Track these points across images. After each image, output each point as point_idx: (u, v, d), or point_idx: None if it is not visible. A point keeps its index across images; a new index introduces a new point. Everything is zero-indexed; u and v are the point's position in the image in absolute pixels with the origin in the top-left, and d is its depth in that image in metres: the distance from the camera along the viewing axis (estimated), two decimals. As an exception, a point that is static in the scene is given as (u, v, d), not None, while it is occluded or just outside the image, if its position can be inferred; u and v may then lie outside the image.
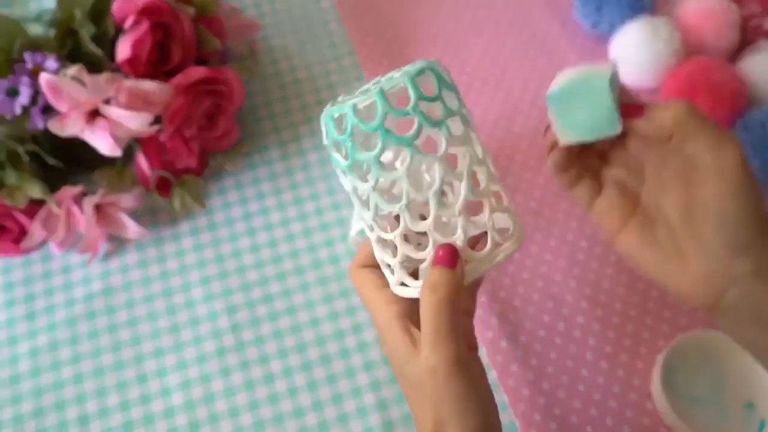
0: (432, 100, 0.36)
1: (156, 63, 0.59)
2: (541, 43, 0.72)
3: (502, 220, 0.39)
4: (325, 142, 0.38)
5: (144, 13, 0.57)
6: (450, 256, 0.37)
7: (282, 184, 0.65)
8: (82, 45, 0.58)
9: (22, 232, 0.59)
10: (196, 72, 0.58)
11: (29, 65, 0.54)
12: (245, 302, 0.59)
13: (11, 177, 0.56)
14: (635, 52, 0.66)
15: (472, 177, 0.37)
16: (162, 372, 0.56)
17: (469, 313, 0.44)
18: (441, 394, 0.36)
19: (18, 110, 0.54)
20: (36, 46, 0.56)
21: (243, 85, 0.62)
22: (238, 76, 0.62)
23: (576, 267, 0.60)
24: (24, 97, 0.54)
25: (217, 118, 0.62)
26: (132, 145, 0.58)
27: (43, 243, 0.61)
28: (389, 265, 0.39)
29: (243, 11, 0.73)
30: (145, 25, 0.56)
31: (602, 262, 0.60)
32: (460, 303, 0.37)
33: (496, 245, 0.38)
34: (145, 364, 0.56)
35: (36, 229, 0.58)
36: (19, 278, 0.60)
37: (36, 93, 0.54)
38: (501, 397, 0.55)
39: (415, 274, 0.40)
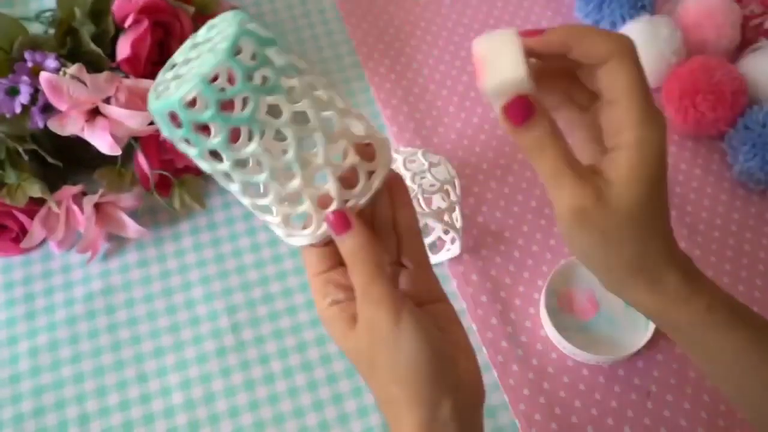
0: (256, 68, 0.34)
1: (156, 62, 0.59)
2: (541, 42, 0.72)
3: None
4: (165, 134, 0.36)
5: (144, 11, 0.57)
6: (342, 222, 0.36)
7: (282, 183, 0.65)
8: (82, 44, 0.57)
9: (22, 231, 0.59)
10: (196, 71, 0.58)
11: (29, 64, 0.54)
12: (245, 302, 0.59)
13: (11, 176, 0.56)
14: (636, 51, 0.66)
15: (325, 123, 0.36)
16: (162, 371, 0.56)
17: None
18: (388, 348, 0.35)
19: (18, 109, 0.54)
20: (36, 45, 0.56)
21: (243, 84, 0.62)
22: (238, 75, 0.61)
23: (577, 266, 0.60)
24: (24, 96, 0.54)
25: (217, 118, 0.61)
26: (132, 145, 0.58)
27: (42, 242, 0.61)
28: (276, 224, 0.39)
29: (243, 10, 0.73)
30: (144, 24, 0.56)
31: (603, 262, 0.60)
32: (381, 256, 0.36)
33: (369, 175, 0.37)
34: (145, 364, 0.56)
35: (36, 229, 0.58)
36: (19, 277, 0.60)
37: (36, 92, 0.54)
38: (501, 397, 0.55)
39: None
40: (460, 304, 0.58)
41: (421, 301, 0.38)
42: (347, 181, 0.36)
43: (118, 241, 0.62)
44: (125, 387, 0.55)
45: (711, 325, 0.35)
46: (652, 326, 0.55)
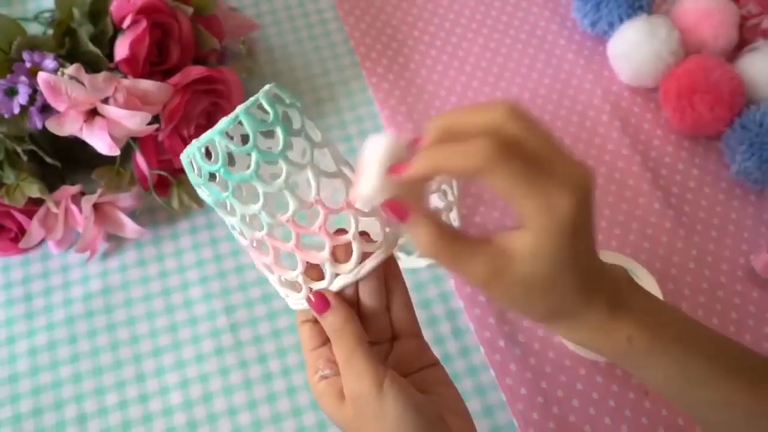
0: (268, 130, 0.37)
1: (154, 62, 0.59)
2: (539, 41, 0.72)
3: (372, 225, 0.39)
4: (192, 181, 0.39)
5: (142, 12, 0.57)
6: (321, 301, 0.38)
7: (280, 183, 0.65)
8: (80, 44, 0.58)
9: (21, 231, 0.59)
10: (194, 71, 0.58)
11: (27, 64, 0.54)
12: (244, 301, 0.59)
13: (10, 176, 0.56)
14: (634, 51, 0.66)
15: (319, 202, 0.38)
16: (160, 371, 0.56)
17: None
18: (375, 418, 0.36)
19: (16, 109, 0.54)
20: (34, 45, 0.56)
21: (241, 85, 0.62)
22: (237, 76, 0.62)
23: (574, 266, 0.60)
24: (22, 97, 0.54)
25: (215, 117, 0.62)
26: (130, 145, 0.58)
27: (41, 242, 0.61)
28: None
29: (241, 10, 0.73)
30: (143, 25, 0.56)
31: (600, 261, 0.60)
32: (360, 331, 0.38)
33: (364, 256, 0.38)
34: (143, 363, 0.56)
35: (34, 228, 0.59)
36: (18, 277, 0.60)
37: (34, 92, 0.54)
38: (499, 396, 0.55)
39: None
40: (457, 303, 0.58)
41: (412, 368, 0.40)
42: (338, 256, 0.38)
43: (116, 241, 0.62)
44: (123, 386, 0.56)
45: (633, 354, 0.36)
46: None
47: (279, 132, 0.37)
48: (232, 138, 0.39)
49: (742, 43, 0.68)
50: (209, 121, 0.61)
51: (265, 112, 0.37)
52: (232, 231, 0.40)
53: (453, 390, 0.40)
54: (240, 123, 0.37)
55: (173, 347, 0.57)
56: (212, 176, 0.38)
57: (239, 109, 0.37)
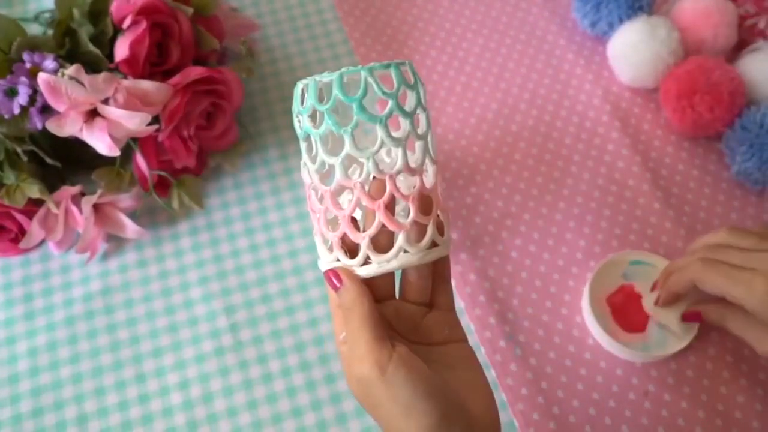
0: (411, 88, 0.39)
1: (154, 63, 0.59)
2: (539, 42, 0.73)
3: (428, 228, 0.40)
4: (300, 108, 0.40)
5: (142, 12, 0.57)
6: (336, 278, 0.39)
7: (281, 183, 0.65)
8: (80, 45, 0.58)
9: (21, 232, 0.59)
10: (195, 71, 0.58)
11: (28, 65, 0.54)
12: (244, 302, 0.59)
13: (10, 177, 0.56)
14: (633, 51, 0.66)
15: (420, 173, 0.40)
16: (160, 371, 0.56)
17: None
18: (382, 400, 0.36)
19: (16, 110, 0.54)
20: (34, 45, 0.56)
21: (241, 85, 0.62)
22: (237, 76, 0.62)
23: (574, 266, 0.60)
24: (22, 97, 0.54)
25: (215, 118, 0.62)
26: (130, 145, 0.58)
27: (41, 243, 0.61)
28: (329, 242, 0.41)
29: (241, 11, 0.73)
30: (143, 25, 0.56)
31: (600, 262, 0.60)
32: (370, 313, 0.38)
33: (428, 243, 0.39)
34: (143, 364, 0.56)
35: (34, 229, 0.59)
36: (18, 278, 0.60)
37: (34, 93, 0.54)
38: (500, 396, 0.55)
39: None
40: (458, 303, 0.58)
41: (437, 340, 0.41)
42: (378, 242, 0.39)
43: (116, 242, 0.62)
44: (124, 387, 0.56)
45: None
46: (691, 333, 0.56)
47: (415, 96, 0.39)
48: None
49: (741, 44, 0.68)
50: (209, 122, 0.61)
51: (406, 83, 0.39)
52: (302, 167, 0.41)
53: (474, 369, 0.40)
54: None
55: (173, 348, 0.57)
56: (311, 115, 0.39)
57: (391, 65, 0.38)
